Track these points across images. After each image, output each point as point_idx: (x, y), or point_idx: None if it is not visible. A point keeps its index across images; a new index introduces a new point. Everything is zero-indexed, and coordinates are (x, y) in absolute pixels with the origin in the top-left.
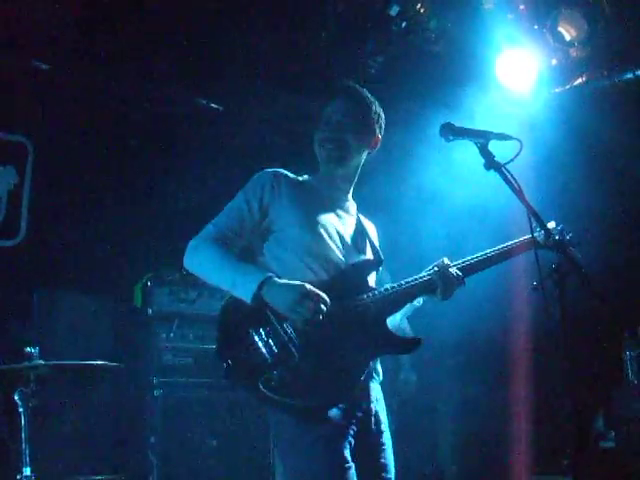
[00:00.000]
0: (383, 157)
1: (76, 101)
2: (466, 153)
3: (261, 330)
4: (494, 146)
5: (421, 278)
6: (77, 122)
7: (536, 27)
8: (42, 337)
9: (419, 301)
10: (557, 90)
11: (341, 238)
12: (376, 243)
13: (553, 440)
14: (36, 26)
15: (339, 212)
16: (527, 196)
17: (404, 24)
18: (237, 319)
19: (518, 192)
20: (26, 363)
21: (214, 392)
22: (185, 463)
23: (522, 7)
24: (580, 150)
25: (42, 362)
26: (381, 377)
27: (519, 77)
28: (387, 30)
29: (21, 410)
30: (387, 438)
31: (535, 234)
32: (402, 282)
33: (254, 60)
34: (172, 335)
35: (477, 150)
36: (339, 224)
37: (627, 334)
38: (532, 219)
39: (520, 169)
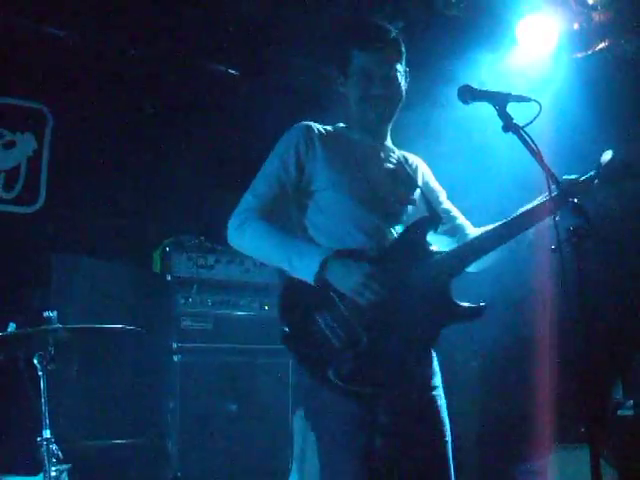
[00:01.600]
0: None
1: (94, 68)
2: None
3: (326, 314)
4: (513, 108)
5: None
6: (95, 89)
7: None
8: (61, 302)
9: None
10: (579, 55)
11: (388, 194)
12: (429, 179)
13: (573, 409)
14: None
15: (382, 161)
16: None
17: None
18: (299, 299)
19: (537, 155)
20: (44, 327)
21: (233, 357)
22: (204, 428)
23: None
24: (601, 117)
25: (60, 326)
26: None
27: (541, 41)
28: None
29: (40, 374)
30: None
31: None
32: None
33: (270, 26)
34: (191, 300)
35: (495, 112)
36: (384, 176)
37: None
38: (550, 182)
39: (540, 134)
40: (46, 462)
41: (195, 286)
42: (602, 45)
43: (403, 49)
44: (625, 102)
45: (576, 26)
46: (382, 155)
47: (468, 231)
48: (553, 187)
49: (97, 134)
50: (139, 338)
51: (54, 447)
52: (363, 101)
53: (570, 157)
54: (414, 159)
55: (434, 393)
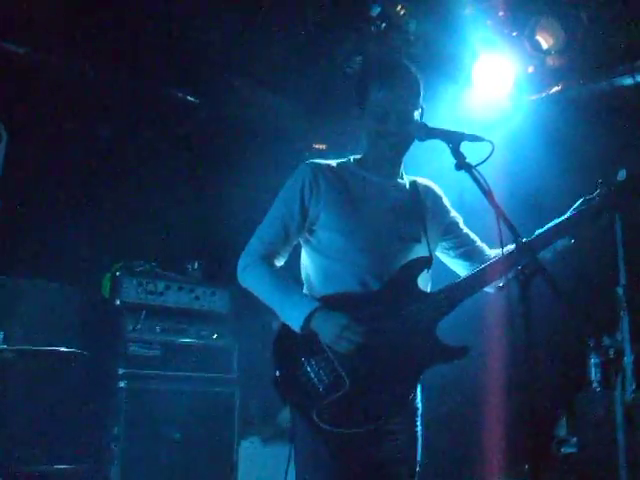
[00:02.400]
0: None
1: (52, 87)
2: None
3: (312, 359)
4: (466, 148)
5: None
6: (52, 109)
7: (515, 34)
8: (7, 324)
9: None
10: (533, 97)
11: (390, 232)
12: (441, 206)
13: (517, 445)
14: (14, 8)
15: (388, 198)
16: (498, 200)
17: (384, 25)
18: (290, 345)
19: (488, 194)
20: None
21: (180, 385)
22: (148, 455)
23: (501, 13)
24: (555, 157)
25: (5, 347)
26: None
27: (496, 82)
28: (366, 30)
29: None
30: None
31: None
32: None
33: (229, 56)
34: (139, 326)
35: (449, 150)
36: (388, 215)
37: (592, 341)
38: (500, 221)
39: (495, 173)
40: None
41: (144, 312)
42: (556, 89)
43: (421, 88)
44: (577, 144)
45: (531, 69)
46: (389, 192)
47: (486, 253)
48: (502, 226)
49: (51, 154)
50: (85, 362)
51: None
52: (378, 136)
53: (525, 195)
54: (426, 189)
55: (415, 431)
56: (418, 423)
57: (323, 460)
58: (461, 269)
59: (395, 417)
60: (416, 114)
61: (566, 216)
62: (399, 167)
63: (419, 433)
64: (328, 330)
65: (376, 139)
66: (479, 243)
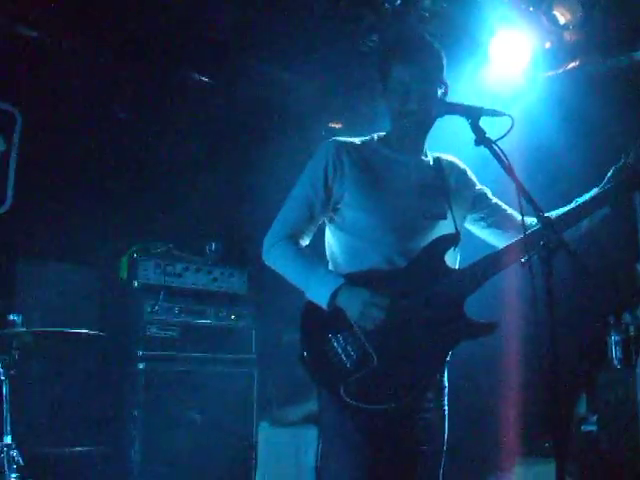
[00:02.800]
0: None
1: (65, 71)
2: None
3: (339, 335)
4: (486, 122)
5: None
6: (66, 92)
7: (531, 9)
8: (26, 306)
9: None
10: (550, 73)
11: (415, 210)
12: (466, 180)
13: (538, 423)
14: None
15: (412, 176)
16: (518, 175)
17: (398, 2)
18: (317, 322)
19: (508, 169)
20: (9, 330)
21: (198, 366)
22: (167, 437)
23: None
24: (572, 134)
25: (25, 329)
26: None
27: (514, 58)
28: (382, 8)
29: (3, 378)
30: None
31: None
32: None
33: (245, 35)
34: (157, 308)
35: (468, 125)
36: (412, 192)
37: (612, 318)
38: (521, 196)
39: (512, 151)
40: (6, 468)
41: (162, 293)
42: (573, 64)
43: (444, 62)
44: (595, 121)
45: (548, 45)
46: (413, 170)
47: (518, 220)
48: (523, 200)
49: (67, 138)
50: (104, 344)
51: (14, 453)
52: (400, 115)
53: (542, 171)
54: (450, 164)
55: (443, 409)
56: (445, 401)
57: (350, 435)
58: (494, 239)
59: (422, 394)
60: (439, 91)
61: (594, 193)
62: (423, 145)
63: (446, 411)
64: (353, 306)
65: (399, 118)
66: (509, 211)
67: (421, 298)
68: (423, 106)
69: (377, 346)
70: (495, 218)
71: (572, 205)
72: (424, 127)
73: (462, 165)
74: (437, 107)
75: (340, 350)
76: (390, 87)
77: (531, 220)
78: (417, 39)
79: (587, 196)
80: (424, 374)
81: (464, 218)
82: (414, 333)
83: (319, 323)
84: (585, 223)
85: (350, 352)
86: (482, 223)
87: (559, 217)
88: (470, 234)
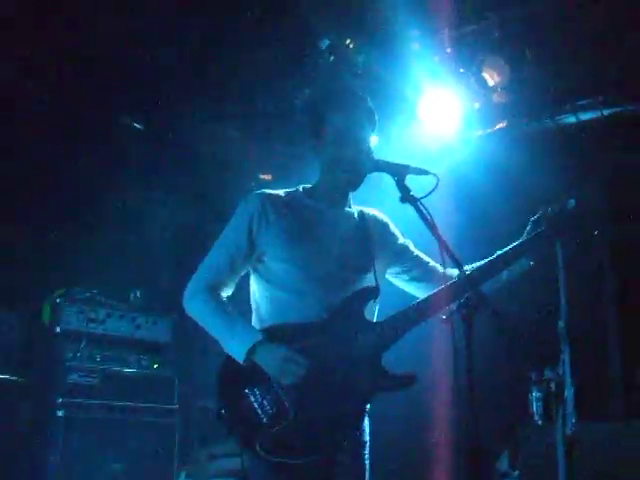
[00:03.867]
0: None
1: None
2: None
3: (256, 389)
4: (412, 181)
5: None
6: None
7: (461, 70)
8: None
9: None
10: (480, 132)
11: (339, 263)
12: (390, 233)
13: (460, 478)
14: None
15: (337, 228)
16: (442, 231)
17: (332, 58)
18: (234, 376)
19: (432, 227)
20: None
21: (119, 415)
22: None
23: (448, 50)
24: (501, 192)
25: None
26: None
27: (443, 117)
28: (314, 63)
29: None
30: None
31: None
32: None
33: (179, 84)
34: (79, 355)
35: (394, 183)
36: (337, 245)
37: (533, 374)
38: (444, 253)
39: (440, 206)
40: None
41: (84, 340)
42: (501, 125)
43: (376, 117)
44: (522, 178)
45: (477, 105)
46: (338, 221)
47: (439, 272)
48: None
49: None
50: (23, 390)
51: None
52: (335, 163)
53: (471, 225)
54: (373, 218)
55: (363, 463)
56: (366, 456)
57: None
58: (416, 291)
59: (340, 447)
60: (372, 141)
61: (513, 245)
62: (348, 196)
63: (367, 466)
64: (271, 363)
65: (332, 165)
66: (432, 264)
67: (338, 351)
68: (359, 153)
69: (294, 400)
70: (417, 271)
71: (492, 257)
72: (357, 179)
73: (385, 218)
74: (366, 162)
75: (257, 405)
76: (324, 135)
77: (454, 272)
78: (351, 91)
79: (507, 248)
80: (341, 427)
81: (385, 271)
82: (331, 386)
83: (236, 378)
84: (505, 275)
85: (266, 406)
86: (405, 276)
87: (480, 268)
88: (390, 285)
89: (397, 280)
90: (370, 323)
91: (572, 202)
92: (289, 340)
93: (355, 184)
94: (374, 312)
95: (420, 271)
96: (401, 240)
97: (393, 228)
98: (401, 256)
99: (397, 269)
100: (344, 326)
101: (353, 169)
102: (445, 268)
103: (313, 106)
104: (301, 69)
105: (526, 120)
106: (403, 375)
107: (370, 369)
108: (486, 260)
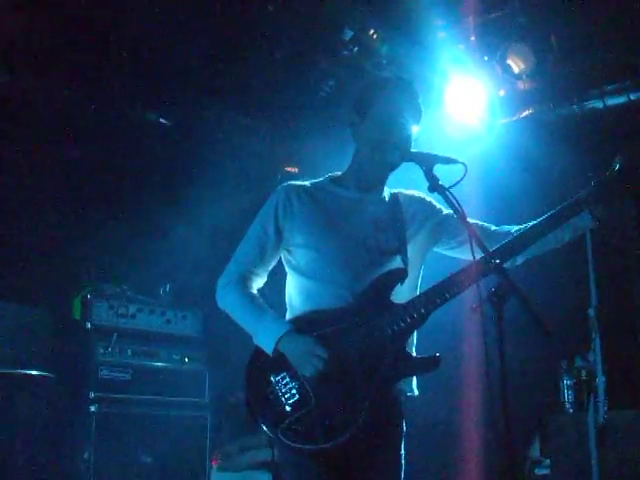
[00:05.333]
0: None
1: (21, 109)
2: None
3: (280, 377)
4: (440, 169)
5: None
6: (21, 132)
7: (486, 58)
8: None
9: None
10: (504, 121)
11: (368, 246)
12: (428, 212)
13: (491, 467)
14: None
15: (366, 212)
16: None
17: (356, 49)
18: (262, 366)
19: (461, 216)
20: None
21: (151, 409)
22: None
23: (473, 38)
24: (526, 180)
25: None
26: (414, 392)
27: (467, 106)
28: (339, 54)
29: None
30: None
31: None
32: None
33: (205, 79)
34: (110, 350)
35: (422, 173)
36: (366, 229)
37: (564, 362)
38: (473, 242)
39: (467, 196)
40: None
41: (115, 335)
42: (527, 112)
43: (421, 113)
44: (547, 166)
45: (502, 92)
46: (366, 207)
47: (492, 228)
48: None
49: (21, 177)
50: (55, 385)
51: None
52: (379, 144)
53: (496, 214)
54: (409, 198)
55: (400, 454)
56: (402, 446)
57: (308, 474)
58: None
59: (363, 433)
60: (413, 131)
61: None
62: (382, 183)
63: (402, 456)
64: (295, 353)
65: (372, 151)
66: (480, 224)
67: (360, 336)
68: (403, 141)
69: (316, 387)
70: (464, 236)
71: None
72: (395, 163)
73: (422, 195)
74: (405, 150)
75: (280, 392)
76: (368, 116)
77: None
78: (406, 82)
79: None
80: (362, 411)
81: (426, 249)
82: (353, 371)
83: (264, 366)
84: (567, 235)
85: (290, 393)
86: (452, 243)
87: (532, 227)
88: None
89: (451, 252)
90: (395, 306)
91: (617, 164)
92: (316, 327)
93: (390, 169)
94: (409, 294)
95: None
96: (445, 212)
97: (435, 203)
98: (446, 226)
99: (444, 239)
100: (370, 310)
101: (394, 154)
102: (474, 256)
103: (364, 87)
104: (325, 61)
105: (552, 107)
106: (428, 358)
107: (394, 353)
108: (528, 225)
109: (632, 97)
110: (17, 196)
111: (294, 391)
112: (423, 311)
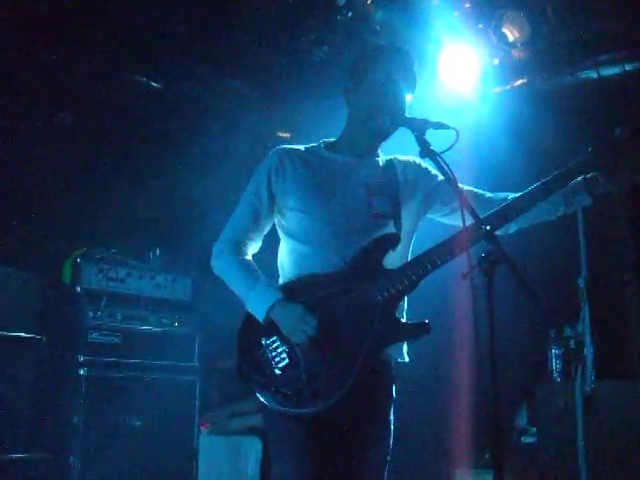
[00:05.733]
0: None
1: (11, 73)
2: None
3: (271, 341)
4: (433, 136)
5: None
6: (11, 95)
7: (480, 26)
8: None
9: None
10: (498, 89)
11: (360, 211)
12: (423, 177)
13: (479, 435)
14: None
15: (359, 177)
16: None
17: (350, 14)
18: (253, 331)
19: (453, 182)
20: None
21: (140, 373)
22: (108, 443)
23: (468, 5)
24: (518, 149)
25: None
26: (405, 358)
27: (461, 74)
28: (333, 19)
29: None
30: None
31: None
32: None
33: (195, 42)
34: (100, 313)
35: (414, 138)
36: (357, 193)
37: (553, 331)
38: (463, 208)
39: (460, 162)
40: None
41: (105, 299)
42: (521, 81)
43: (416, 82)
44: (541, 136)
45: (496, 61)
46: (359, 171)
47: (487, 195)
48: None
49: (10, 141)
50: (44, 348)
51: None
52: (372, 111)
53: (488, 183)
54: (404, 163)
55: (388, 420)
56: (391, 412)
57: (294, 439)
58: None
59: (352, 396)
60: (407, 99)
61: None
62: (376, 148)
63: (391, 422)
64: (285, 322)
65: (364, 114)
66: (474, 191)
67: (349, 301)
68: (397, 109)
69: (305, 351)
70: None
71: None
72: (389, 130)
73: (418, 160)
74: (399, 116)
75: (271, 356)
76: (364, 81)
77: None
78: (405, 52)
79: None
80: (349, 377)
81: (420, 214)
82: (343, 337)
83: (255, 331)
84: (562, 209)
85: (280, 357)
86: (446, 210)
87: (524, 194)
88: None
89: (443, 217)
90: (386, 271)
91: (618, 129)
92: (306, 292)
93: (384, 135)
94: (403, 259)
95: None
96: (439, 178)
97: (431, 169)
98: (440, 191)
99: (437, 205)
100: (360, 276)
101: (388, 121)
102: (464, 222)
103: (359, 53)
104: (319, 26)
105: (546, 76)
106: (417, 324)
107: (384, 319)
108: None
109: (627, 68)
110: (5, 160)
111: (284, 355)
112: (414, 277)
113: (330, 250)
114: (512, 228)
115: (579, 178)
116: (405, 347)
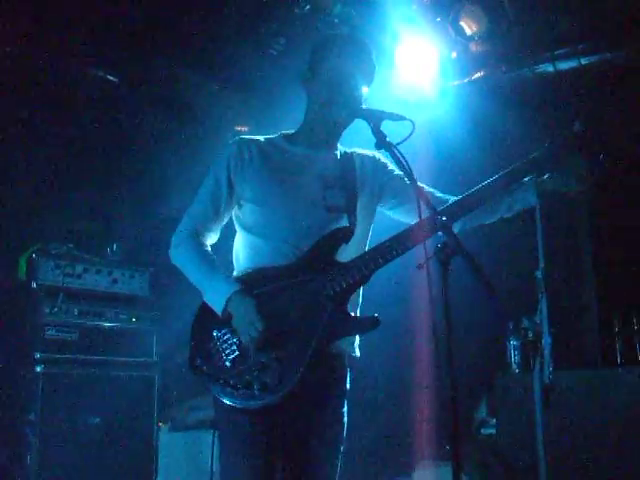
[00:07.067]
0: None
1: None
2: None
3: (222, 333)
4: (391, 130)
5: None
6: None
7: (438, 19)
8: None
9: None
10: (456, 83)
11: (315, 204)
12: (381, 172)
13: (437, 427)
14: None
15: (316, 170)
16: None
17: (308, 7)
18: (206, 322)
19: (408, 173)
20: None
21: (98, 369)
22: (66, 441)
23: None
24: (477, 142)
25: None
26: (356, 353)
27: (419, 68)
28: (291, 12)
29: None
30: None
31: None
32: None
33: (153, 34)
34: (56, 310)
35: (370, 129)
36: (313, 184)
37: (511, 323)
38: (420, 200)
39: (419, 155)
40: None
41: (61, 295)
42: (478, 74)
43: (374, 73)
44: (499, 129)
45: (454, 54)
46: (316, 164)
47: (436, 195)
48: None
49: None
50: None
51: None
52: (328, 102)
53: (446, 175)
54: (362, 157)
55: (341, 412)
56: (343, 404)
57: (242, 434)
58: (408, 217)
59: (301, 390)
60: (364, 91)
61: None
62: (334, 141)
63: (344, 414)
64: (237, 317)
65: (322, 108)
66: (427, 189)
67: (303, 294)
68: (353, 100)
69: (255, 344)
70: (406, 196)
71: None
72: (345, 121)
73: (377, 155)
74: (356, 108)
75: (221, 348)
76: (320, 72)
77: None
78: (363, 42)
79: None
80: (298, 371)
81: (374, 208)
82: (292, 330)
83: (208, 322)
84: (504, 209)
85: (230, 349)
86: (393, 202)
87: (473, 192)
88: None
89: (390, 210)
90: (339, 265)
91: (577, 124)
92: (258, 285)
93: (340, 126)
94: (354, 253)
95: (409, 195)
96: (396, 172)
97: (388, 164)
98: (391, 183)
99: (386, 196)
100: (313, 269)
101: (343, 112)
102: (420, 214)
103: (317, 44)
104: (277, 18)
105: (503, 70)
106: (366, 318)
107: (334, 312)
108: (480, 185)
109: (583, 62)
110: None
111: (234, 347)
112: (365, 271)
113: (283, 243)
114: (468, 224)
115: (526, 178)
116: (357, 341)
